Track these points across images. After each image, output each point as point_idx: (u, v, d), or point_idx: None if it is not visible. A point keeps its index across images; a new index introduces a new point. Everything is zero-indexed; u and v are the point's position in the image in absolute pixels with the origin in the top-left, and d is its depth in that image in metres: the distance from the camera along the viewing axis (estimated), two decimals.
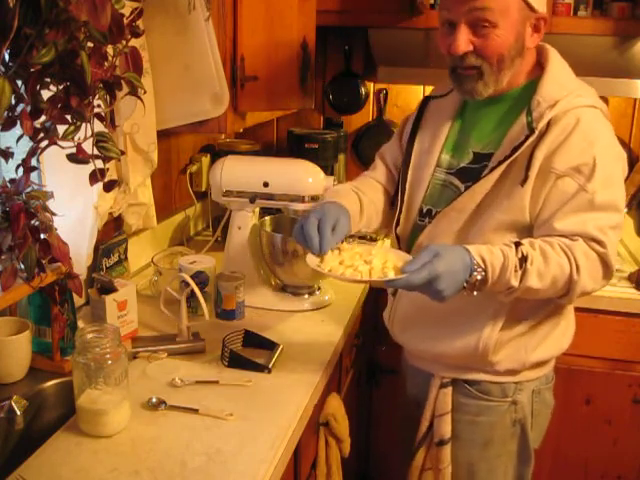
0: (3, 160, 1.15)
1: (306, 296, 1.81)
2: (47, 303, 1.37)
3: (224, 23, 1.65)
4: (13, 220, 1.19)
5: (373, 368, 2.21)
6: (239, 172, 1.80)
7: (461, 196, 1.35)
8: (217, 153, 2.35)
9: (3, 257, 1.22)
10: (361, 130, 2.74)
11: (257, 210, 1.86)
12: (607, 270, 1.29)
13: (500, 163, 1.30)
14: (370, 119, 2.74)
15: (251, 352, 1.50)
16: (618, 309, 2.03)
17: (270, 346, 1.53)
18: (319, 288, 1.85)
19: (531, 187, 1.28)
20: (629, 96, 2.39)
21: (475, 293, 1.24)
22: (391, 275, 1.21)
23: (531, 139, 1.27)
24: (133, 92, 1.09)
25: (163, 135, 1.76)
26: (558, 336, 1.43)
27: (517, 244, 1.25)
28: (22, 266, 1.24)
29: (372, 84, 2.69)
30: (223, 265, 1.83)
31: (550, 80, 1.31)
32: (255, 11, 1.76)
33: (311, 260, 1.30)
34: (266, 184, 1.76)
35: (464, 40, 1.27)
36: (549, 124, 1.27)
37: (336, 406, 1.59)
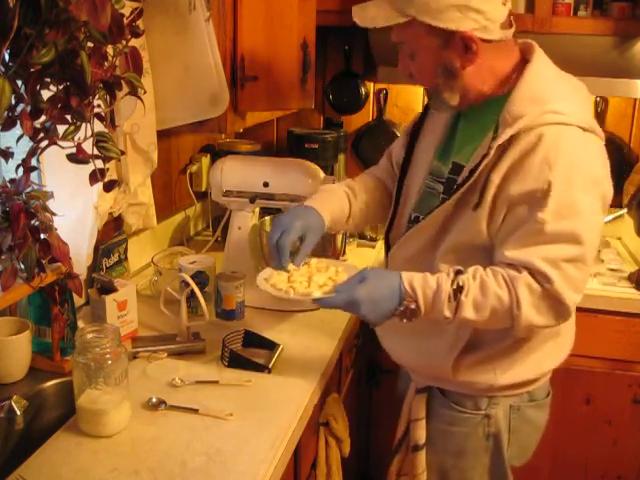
0: (3, 160, 1.15)
1: None
2: (47, 303, 1.37)
3: (224, 23, 1.65)
4: (13, 220, 1.19)
5: (373, 368, 2.21)
6: (239, 172, 1.80)
7: (424, 220, 1.33)
8: (217, 153, 2.35)
9: (3, 257, 1.22)
10: (361, 130, 2.74)
11: (257, 210, 1.86)
12: (560, 307, 1.19)
13: (459, 187, 1.25)
14: (370, 119, 2.74)
15: (251, 352, 1.50)
16: (618, 309, 2.03)
17: (270, 346, 1.53)
18: None
19: (487, 211, 1.22)
20: (629, 96, 2.38)
21: (404, 321, 1.23)
22: (316, 295, 1.29)
23: (485, 161, 1.20)
24: (133, 92, 1.10)
25: (163, 135, 1.76)
26: (540, 358, 1.36)
27: (458, 273, 1.21)
28: (22, 266, 1.24)
29: (372, 84, 2.69)
30: (223, 265, 1.83)
31: (522, 92, 1.22)
32: (255, 11, 1.76)
33: (261, 274, 1.40)
34: (266, 184, 1.76)
35: (401, 66, 1.32)
36: (510, 143, 1.19)
37: (336, 406, 1.59)
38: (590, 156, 1.20)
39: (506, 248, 1.21)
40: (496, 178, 1.20)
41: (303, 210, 1.41)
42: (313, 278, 1.35)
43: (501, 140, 1.19)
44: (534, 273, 1.18)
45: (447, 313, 1.20)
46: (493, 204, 1.22)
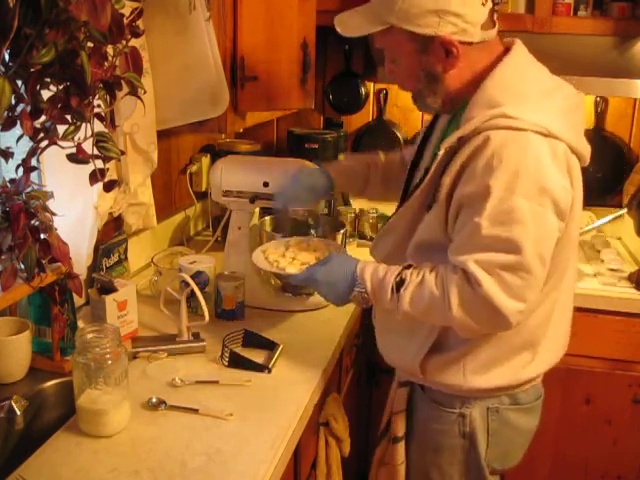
0: (3, 160, 1.15)
1: (306, 296, 1.81)
2: (47, 303, 1.37)
3: (224, 23, 1.65)
4: (13, 220, 1.19)
5: (373, 368, 2.21)
6: (239, 172, 1.80)
7: (392, 218, 1.37)
8: (217, 153, 2.35)
9: (3, 257, 1.22)
10: (361, 130, 2.74)
11: (257, 210, 1.86)
12: (493, 312, 1.17)
13: (416, 187, 1.29)
14: (370, 119, 2.74)
15: (251, 352, 1.50)
16: (618, 309, 2.03)
17: (270, 346, 1.53)
18: None
19: (442, 212, 1.24)
20: (629, 96, 2.38)
21: (358, 306, 1.32)
22: (288, 270, 1.45)
23: (435, 162, 1.22)
24: (133, 92, 1.09)
25: (163, 135, 1.76)
26: (515, 366, 1.34)
27: (406, 267, 1.26)
28: (22, 266, 1.24)
29: (372, 84, 2.69)
30: (223, 265, 1.83)
31: (479, 95, 1.21)
32: (255, 11, 1.76)
33: (261, 247, 1.59)
34: (266, 184, 1.76)
35: (387, 70, 1.33)
36: (461, 146, 1.19)
37: (336, 406, 1.59)
38: (540, 162, 1.15)
39: (450, 250, 1.24)
40: (447, 180, 1.21)
41: (309, 176, 1.61)
42: (298, 256, 1.50)
43: (448, 142, 1.21)
44: (468, 276, 1.19)
45: (390, 304, 1.26)
46: (446, 206, 1.23)
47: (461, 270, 1.20)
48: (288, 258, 1.51)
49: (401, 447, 1.45)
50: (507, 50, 1.27)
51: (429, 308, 1.23)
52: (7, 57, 0.91)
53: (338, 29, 1.27)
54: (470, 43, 1.22)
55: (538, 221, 1.16)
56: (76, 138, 1.04)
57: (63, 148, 1.06)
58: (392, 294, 1.24)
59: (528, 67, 1.28)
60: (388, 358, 1.48)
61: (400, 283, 1.24)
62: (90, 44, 0.97)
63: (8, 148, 1.13)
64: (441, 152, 1.21)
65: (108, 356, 1.18)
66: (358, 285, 1.29)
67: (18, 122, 0.99)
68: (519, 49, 1.28)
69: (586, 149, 1.26)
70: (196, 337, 1.54)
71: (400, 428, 1.45)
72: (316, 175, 1.60)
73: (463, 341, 1.31)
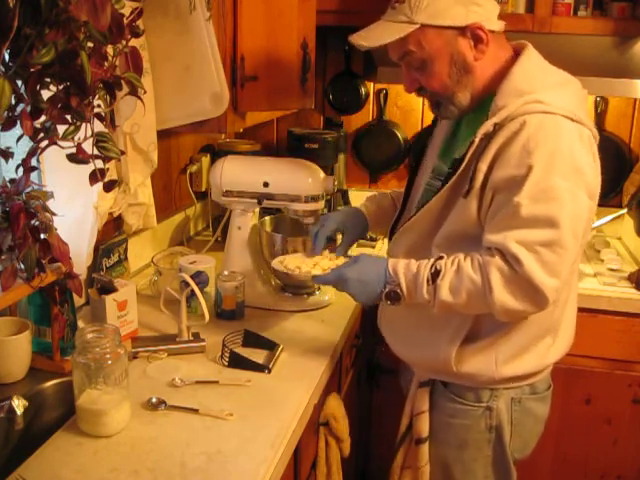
0: (3, 160, 1.15)
1: (306, 296, 1.81)
2: (47, 303, 1.37)
3: (224, 23, 1.65)
4: (13, 220, 1.19)
5: (373, 368, 2.21)
6: (239, 172, 1.80)
7: (420, 211, 1.37)
8: (217, 153, 2.35)
9: (3, 257, 1.22)
10: (361, 130, 2.74)
11: (257, 210, 1.86)
12: (533, 291, 1.20)
13: (451, 176, 1.30)
14: (370, 119, 2.74)
15: (251, 352, 1.50)
16: (618, 309, 2.03)
17: (270, 346, 1.53)
18: (319, 288, 1.85)
19: (477, 198, 1.26)
20: (629, 96, 2.38)
21: (389, 303, 1.30)
22: (314, 272, 1.46)
23: (472, 149, 1.25)
24: (133, 92, 1.09)
25: (163, 135, 1.76)
26: (540, 351, 1.38)
27: (438, 258, 1.27)
28: (22, 266, 1.24)
29: (372, 84, 2.69)
30: (223, 265, 1.83)
31: (507, 85, 1.26)
32: (255, 11, 1.76)
33: (278, 258, 1.61)
34: (266, 184, 1.76)
35: (409, 81, 1.35)
36: (495, 132, 1.23)
37: (336, 406, 1.59)
38: (573, 145, 1.21)
39: (486, 232, 1.25)
40: (483, 166, 1.24)
41: (350, 210, 1.68)
42: (320, 263, 1.51)
43: (484, 129, 1.23)
44: (507, 256, 1.21)
45: (426, 296, 1.26)
46: (482, 191, 1.26)
47: (498, 251, 1.22)
48: (309, 264, 1.51)
49: (425, 448, 1.46)
50: (515, 51, 1.33)
51: (469, 294, 1.23)
52: (7, 57, 0.91)
53: (362, 43, 1.29)
54: (492, 31, 1.28)
55: (574, 200, 1.20)
56: (76, 138, 1.04)
57: (63, 148, 1.06)
58: (428, 286, 1.25)
59: (544, 62, 1.33)
60: (409, 357, 1.48)
61: (435, 274, 1.25)
62: (90, 44, 0.97)
63: (8, 148, 1.13)
64: (477, 139, 1.24)
65: (108, 356, 1.18)
66: (391, 282, 1.28)
67: (18, 122, 0.99)
68: (532, 48, 1.33)
69: (597, 138, 1.30)
70: (196, 337, 1.54)
71: (424, 429, 1.45)
72: (353, 211, 1.68)
73: (495, 329, 1.33)
